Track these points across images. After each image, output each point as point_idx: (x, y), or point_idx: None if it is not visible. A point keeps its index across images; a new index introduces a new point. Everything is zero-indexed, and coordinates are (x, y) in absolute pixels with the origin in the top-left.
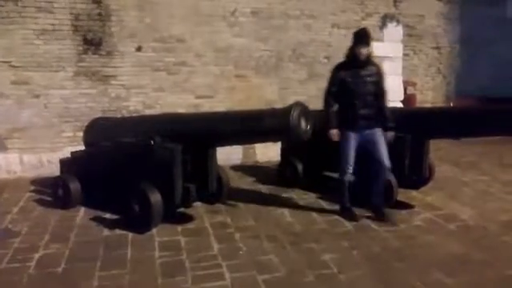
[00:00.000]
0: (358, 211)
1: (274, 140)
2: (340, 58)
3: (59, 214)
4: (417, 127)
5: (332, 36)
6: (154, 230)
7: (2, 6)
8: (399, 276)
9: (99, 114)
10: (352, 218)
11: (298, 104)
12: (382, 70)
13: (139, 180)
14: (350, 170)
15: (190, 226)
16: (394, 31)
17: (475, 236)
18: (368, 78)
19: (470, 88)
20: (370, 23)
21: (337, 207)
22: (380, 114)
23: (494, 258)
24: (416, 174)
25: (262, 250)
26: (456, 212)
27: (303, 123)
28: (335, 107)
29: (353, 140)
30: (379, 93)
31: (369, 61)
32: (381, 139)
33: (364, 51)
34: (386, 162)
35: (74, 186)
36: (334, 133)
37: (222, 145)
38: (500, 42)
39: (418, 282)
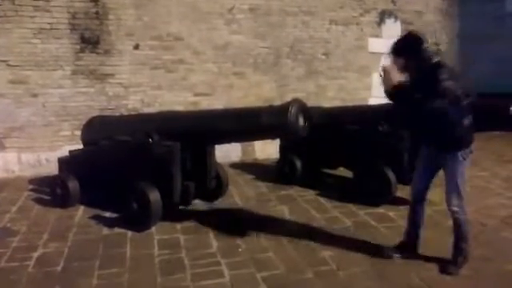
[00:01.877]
0: (356, 207)
1: (273, 137)
2: (338, 54)
3: (58, 213)
4: None
5: (330, 32)
6: (153, 228)
7: None
8: (398, 272)
9: (97, 113)
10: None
11: (295, 101)
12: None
13: (138, 178)
14: (414, 190)
15: (189, 223)
16: (393, 27)
17: (474, 232)
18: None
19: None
20: (368, 19)
21: (336, 203)
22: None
23: (494, 253)
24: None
25: (261, 247)
26: None
27: (301, 120)
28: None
29: (425, 156)
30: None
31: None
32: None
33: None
34: (454, 201)
35: (73, 184)
36: None
37: (221, 142)
38: (499, 38)
39: (417, 279)
